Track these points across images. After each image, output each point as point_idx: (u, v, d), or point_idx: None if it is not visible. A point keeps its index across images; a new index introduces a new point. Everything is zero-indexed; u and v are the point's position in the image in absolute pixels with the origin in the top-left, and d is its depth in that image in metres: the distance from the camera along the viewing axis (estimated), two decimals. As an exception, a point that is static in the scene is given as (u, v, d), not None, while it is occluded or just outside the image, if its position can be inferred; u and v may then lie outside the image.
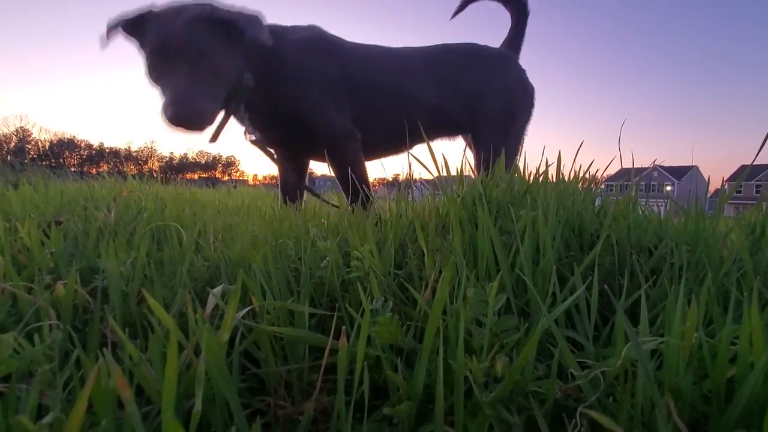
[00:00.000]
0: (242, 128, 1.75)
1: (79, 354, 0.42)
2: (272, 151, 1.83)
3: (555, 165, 0.91)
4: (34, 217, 0.98)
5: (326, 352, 0.44)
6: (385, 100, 1.85)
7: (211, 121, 1.37)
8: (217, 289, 0.54)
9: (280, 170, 1.96)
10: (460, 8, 2.24)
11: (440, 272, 0.67)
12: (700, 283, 0.61)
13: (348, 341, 0.43)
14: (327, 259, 0.67)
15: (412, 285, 0.69)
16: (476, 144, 2.01)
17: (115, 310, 0.56)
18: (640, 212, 0.95)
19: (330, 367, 0.54)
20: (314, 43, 1.70)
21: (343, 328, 0.42)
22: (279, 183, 1.98)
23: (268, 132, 1.73)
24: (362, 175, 1.72)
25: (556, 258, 0.71)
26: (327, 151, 1.63)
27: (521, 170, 1.07)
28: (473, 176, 1.99)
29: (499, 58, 2.11)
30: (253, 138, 1.74)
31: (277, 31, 1.63)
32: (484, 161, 1.92)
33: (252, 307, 0.52)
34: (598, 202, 1.18)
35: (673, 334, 0.34)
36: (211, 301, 0.51)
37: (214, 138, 1.60)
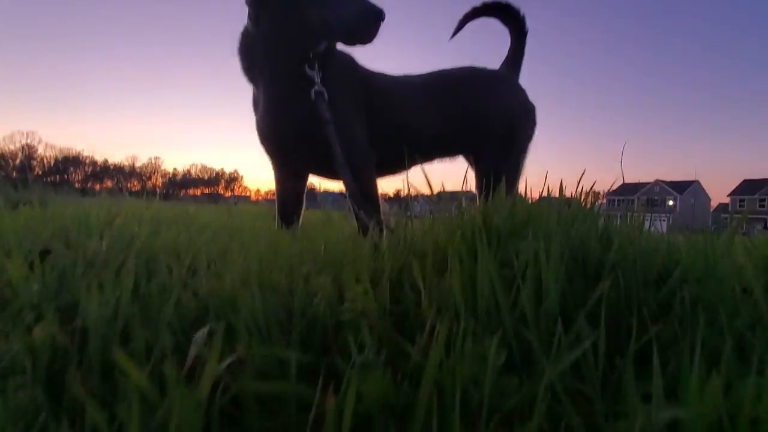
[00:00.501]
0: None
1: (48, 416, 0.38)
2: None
3: (557, 190, 0.89)
4: (22, 246, 0.96)
5: (313, 410, 0.40)
6: (393, 126, 1.88)
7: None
8: (200, 335, 0.51)
9: (279, 189, 1.93)
10: (459, 28, 2.26)
11: (438, 311, 0.64)
12: (712, 328, 0.57)
13: (338, 395, 0.40)
14: (320, 295, 0.64)
15: (408, 324, 0.66)
16: (478, 165, 2.01)
17: (93, 359, 0.53)
18: (645, 239, 0.91)
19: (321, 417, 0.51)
20: (351, 61, 1.79)
21: (332, 387, 0.39)
22: (276, 203, 1.95)
23: (284, 128, 1.69)
24: (377, 196, 1.73)
25: (560, 294, 0.68)
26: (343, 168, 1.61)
27: (523, 196, 1.05)
28: (475, 195, 1.97)
29: (498, 78, 2.12)
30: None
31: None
32: (486, 182, 1.91)
33: (235, 357, 0.49)
34: (601, 222, 1.15)
35: (692, 404, 0.31)
36: (193, 351, 0.48)
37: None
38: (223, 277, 0.75)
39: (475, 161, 2.03)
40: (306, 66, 1.57)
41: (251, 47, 1.67)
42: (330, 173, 1.81)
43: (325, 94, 1.55)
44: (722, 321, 0.50)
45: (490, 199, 1.08)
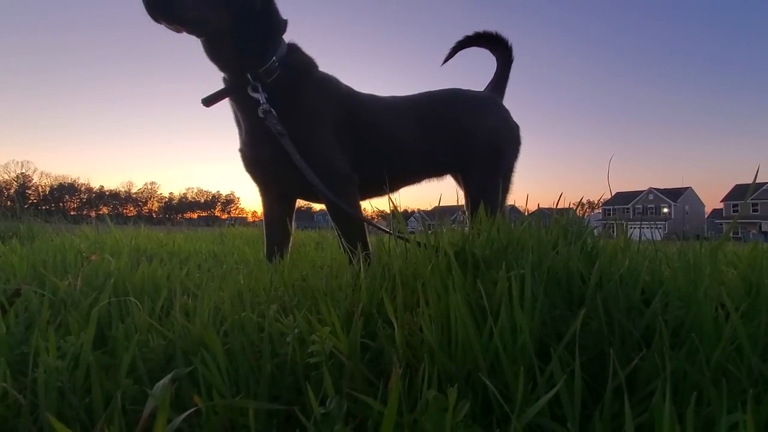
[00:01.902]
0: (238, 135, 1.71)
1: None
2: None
3: (536, 219, 0.87)
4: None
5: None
6: (379, 147, 1.87)
7: (183, 13, 1.33)
8: (159, 386, 0.49)
9: (266, 214, 1.91)
10: (451, 54, 2.31)
11: (412, 349, 0.62)
12: (694, 358, 0.55)
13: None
14: (290, 336, 0.62)
15: (384, 361, 0.63)
16: (466, 183, 2.01)
17: (46, 414, 0.50)
18: (630, 257, 0.90)
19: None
20: (335, 84, 1.76)
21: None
22: (264, 229, 1.93)
23: (262, 154, 1.65)
24: (359, 224, 1.69)
25: (540, 323, 0.66)
26: (323, 196, 1.60)
27: (505, 218, 1.03)
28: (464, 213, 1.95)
29: (482, 100, 2.15)
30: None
31: (311, 61, 1.71)
32: (472, 200, 1.92)
33: (194, 409, 0.47)
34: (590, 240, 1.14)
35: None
36: (149, 405, 0.45)
37: (208, 101, 1.57)
38: (194, 317, 0.72)
39: (462, 180, 2.03)
40: (249, 88, 1.54)
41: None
42: (316, 197, 1.79)
43: (273, 113, 1.51)
44: (701, 354, 0.48)
45: (472, 222, 1.06)
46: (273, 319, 0.64)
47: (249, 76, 1.53)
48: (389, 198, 1.29)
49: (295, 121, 1.58)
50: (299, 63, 1.66)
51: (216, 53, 1.58)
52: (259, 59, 1.56)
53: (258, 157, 1.71)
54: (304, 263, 1.30)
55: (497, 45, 2.24)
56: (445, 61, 2.32)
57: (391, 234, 1.17)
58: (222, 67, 1.60)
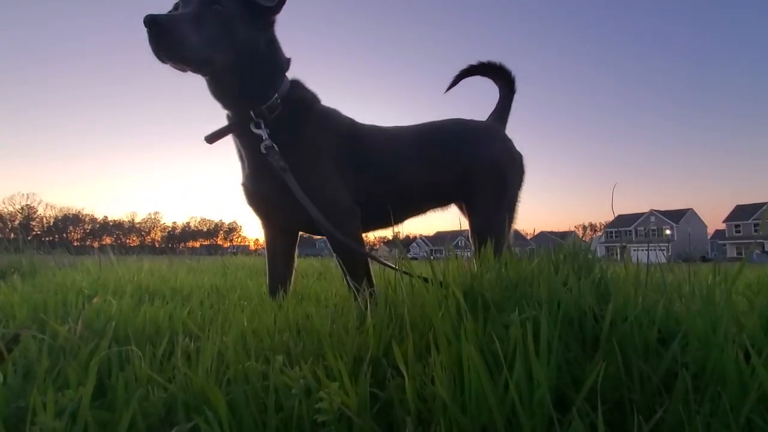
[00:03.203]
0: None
1: None
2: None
3: (547, 256, 0.86)
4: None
5: None
6: (382, 178, 1.86)
7: (189, 54, 1.37)
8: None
9: (268, 248, 1.89)
10: (454, 83, 2.34)
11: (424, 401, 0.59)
12: (717, 406, 0.52)
13: None
14: (295, 388, 0.59)
15: (394, 414, 0.60)
16: (470, 213, 1.99)
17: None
18: (642, 297, 0.87)
19: None
20: (336, 117, 1.78)
21: None
22: (267, 263, 1.91)
23: (265, 189, 1.65)
24: (362, 259, 1.67)
25: (556, 368, 0.63)
26: (325, 231, 1.60)
27: (513, 254, 1.02)
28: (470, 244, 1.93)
29: (485, 129, 2.16)
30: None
31: (313, 96, 1.74)
32: (478, 232, 1.89)
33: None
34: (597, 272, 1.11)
35: None
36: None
37: (211, 139, 1.59)
38: (196, 366, 0.70)
39: (467, 210, 2.02)
40: (252, 125, 1.56)
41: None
42: (318, 230, 1.78)
43: (275, 148, 1.53)
44: (725, 403, 0.46)
45: (479, 256, 1.05)
46: (278, 371, 0.61)
47: (252, 113, 1.56)
48: (393, 230, 1.28)
49: (297, 156, 1.59)
50: (301, 98, 1.69)
51: (220, 91, 1.61)
52: (261, 96, 1.59)
53: (260, 192, 1.71)
54: (308, 300, 1.28)
55: (500, 75, 2.26)
56: (449, 89, 2.34)
57: (396, 269, 1.15)
58: (225, 105, 1.63)
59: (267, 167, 1.60)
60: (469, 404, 0.53)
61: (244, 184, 1.76)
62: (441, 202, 2.10)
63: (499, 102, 2.27)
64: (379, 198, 1.83)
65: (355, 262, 1.63)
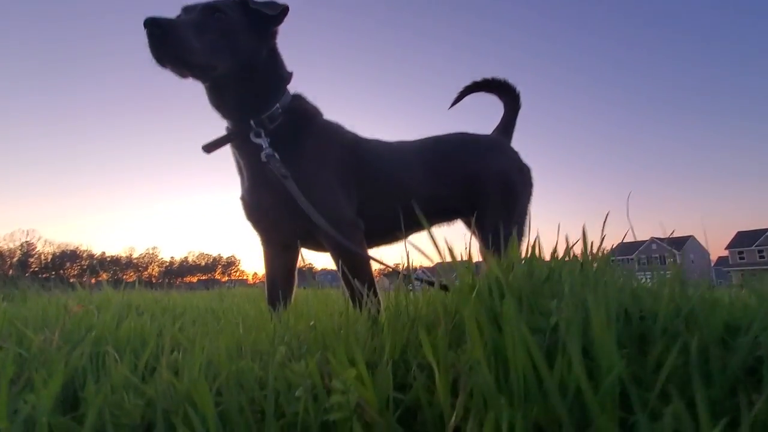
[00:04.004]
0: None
1: None
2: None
3: (581, 241, 0.76)
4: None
5: None
6: (385, 192, 1.81)
7: (189, 58, 1.32)
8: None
9: (267, 266, 1.79)
10: (458, 99, 2.32)
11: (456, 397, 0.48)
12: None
13: None
14: (301, 388, 0.48)
15: (420, 417, 0.49)
16: (479, 228, 1.90)
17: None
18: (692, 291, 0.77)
19: None
20: (339, 130, 1.74)
21: None
22: (266, 281, 1.80)
23: (264, 200, 1.58)
24: (367, 268, 1.57)
25: (617, 352, 0.52)
26: (328, 241, 1.51)
27: (537, 251, 0.92)
28: (482, 261, 1.83)
29: (491, 142, 2.12)
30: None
31: (315, 109, 1.70)
32: (487, 245, 1.80)
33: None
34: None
35: None
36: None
37: (208, 148, 1.52)
38: (182, 371, 0.59)
39: (476, 225, 1.93)
40: (252, 134, 1.50)
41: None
42: (319, 245, 1.69)
43: (276, 157, 1.47)
44: None
45: (501, 257, 0.95)
46: (279, 366, 0.50)
47: (252, 122, 1.50)
48: (407, 242, 1.19)
49: (298, 166, 1.52)
50: (302, 110, 1.65)
51: (220, 100, 1.56)
52: (262, 106, 1.54)
53: (259, 204, 1.64)
54: (312, 312, 1.17)
55: (505, 91, 2.25)
56: (453, 105, 2.32)
57: (412, 275, 1.05)
58: (225, 114, 1.57)
59: (266, 178, 1.54)
60: (515, 394, 0.42)
61: (242, 198, 1.70)
62: (446, 216, 2.03)
63: (504, 116, 2.24)
64: (383, 212, 1.75)
65: (358, 269, 1.53)
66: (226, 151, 1.69)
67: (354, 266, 1.51)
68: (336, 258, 1.55)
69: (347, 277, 1.48)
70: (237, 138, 1.56)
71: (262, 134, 1.52)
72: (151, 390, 0.56)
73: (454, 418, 0.34)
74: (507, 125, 2.23)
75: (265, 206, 1.62)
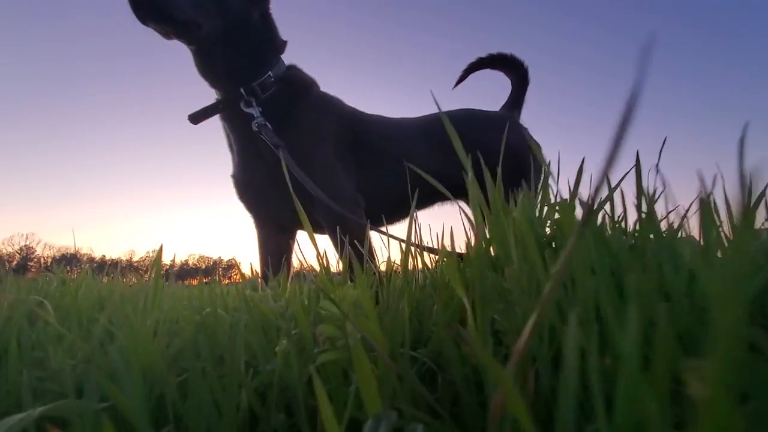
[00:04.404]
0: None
1: None
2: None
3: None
4: None
5: None
6: (387, 169, 1.69)
7: (173, 13, 1.21)
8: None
9: (261, 251, 1.66)
10: (463, 77, 2.20)
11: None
12: None
13: None
14: (283, 341, 0.35)
15: (449, 372, 0.36)
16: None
17: None
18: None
19: None
20: (337, 103, 1.64)
21: None
22: (259, 268, 1.67)
23: (256, 176, 1.46)
24: (364, 227, 1.46)
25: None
26: (326, 217, 1.39)
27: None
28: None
29: (499, 118, 2.00)
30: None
31: (311, 79, 1.60)
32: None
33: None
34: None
35: None
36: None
37: (195, 118, 1.42)
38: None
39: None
40: (242, 103, 1.39)
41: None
42: (316, 225, 1.56)
43: (269, 126, 1.36)
44: None
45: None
46: (255, 301, 0.37)
47: (242, 90, 1.39)
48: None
49: (292, 138, 1.40)
50: (297, 80, 1.54)
51: (208, 64, 1.43)
52: (253, 73, 1.43)
53: (252, 181, 1.51)
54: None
55: (511, 67, 2.13)
56: (457, 83, 2.20)
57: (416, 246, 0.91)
58: (213, 82, 1.45)
59: (258, 151, 1.43)
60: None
61: (233, 175, 1.57)
62: (451, 193, 1.92)
63: (511, 93, 2.12)
64: (384, 189, 1.63)
65: (361, 241, 1.40)
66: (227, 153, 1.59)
67: (356, 240, 1.38)
68: (333, 231, 1.42)
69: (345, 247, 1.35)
70: (227, 107, 1.43)
71: (253, 103, 1.40)
72: (86, 347, 0.43)
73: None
74: (515, 102, 2.11)
75: (257, 183, 1.50)
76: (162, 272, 0.70)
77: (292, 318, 0.36)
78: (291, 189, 0.63)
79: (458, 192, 1.97)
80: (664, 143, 0.56)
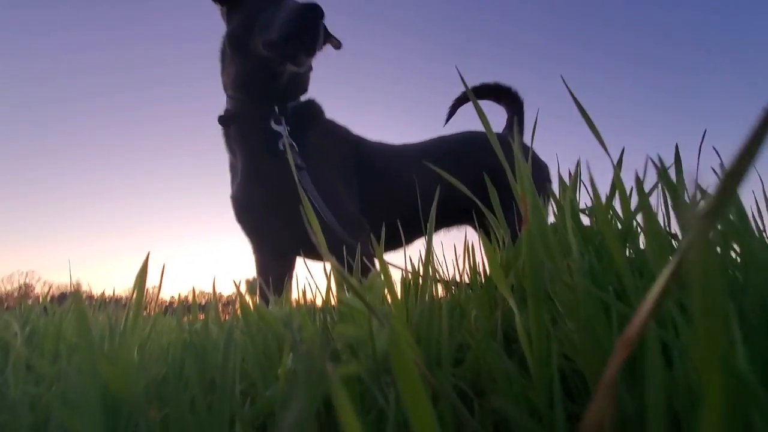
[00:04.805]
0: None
1: None
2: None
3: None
4: None
5: None
6: (389, 194, 1.69)
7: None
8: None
9: (260, 274, 1.60)
10: (452, 112, 2.20)
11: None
12: None
13: None
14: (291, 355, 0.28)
15: (492, 395, 0.29)
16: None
17: None
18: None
19: None
20: (343, 129, 1.69)
21: None
22: (258, 291, 1.60)
23: (259, 197, 1.45)
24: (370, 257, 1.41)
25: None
26: (331, 243, 1.36)
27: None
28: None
29: (502, 139, 1.98)
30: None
31: (319, 106, 1.64)
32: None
33: None
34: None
35: None
36: None
37: (223, 120, 1.54)
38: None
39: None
40: (272, 121, 1.42)
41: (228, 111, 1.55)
42: (314, 250, 1.51)
43: (295, 147, 1.39)
44: None
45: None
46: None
47: (276, 109, 1.43)
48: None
49: (303, 159, 1.42)
50: (308, 106, 1.58)
51: (263, 81, 1.47)
52: (288, 96, 1.51)
53: (252, 200, 1.49)
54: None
55: (500, 95, 2.12)
56: (447, 120, 2.18)
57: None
58: (254, 96, 1.49)
59: (264, 172, 1.43)
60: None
61: (234, 196, 1.55)
62: (456, 219, 1.88)
63: (508, 116, 2.10)
64: (387, 214, 1.60)
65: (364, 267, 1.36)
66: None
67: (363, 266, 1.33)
68: (337, 256, 1.36)
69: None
70: (255, 121, 1.45)
71: (283, 122, 1.43)
72: (52, 371, 0.35)
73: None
74: (514, 123, 2.10)
75: (258, 202, 1.46)
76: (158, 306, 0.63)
77: (299, 329, 0.30)
78: (306, 210, 0.59)
79: (461, 216, 1.93)
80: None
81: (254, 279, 1.63)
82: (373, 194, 1.62)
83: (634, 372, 0.28)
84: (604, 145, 0.35)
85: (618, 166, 0.39)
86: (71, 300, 0.94)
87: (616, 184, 0.36)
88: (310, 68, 1.53)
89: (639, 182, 0.30)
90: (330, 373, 0.12)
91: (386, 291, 0.24)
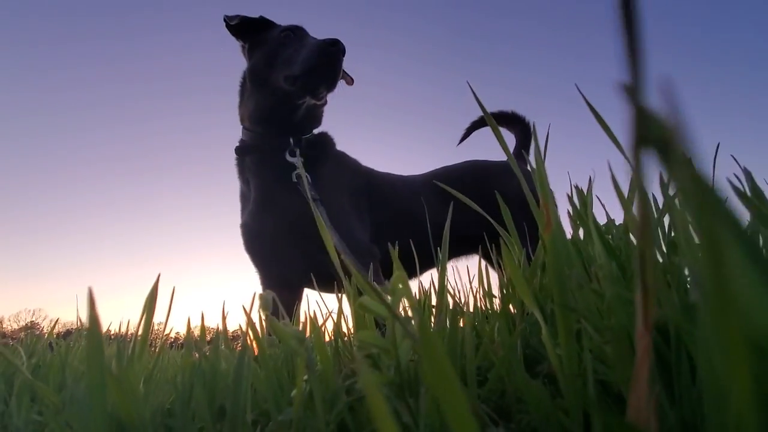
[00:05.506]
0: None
1: None
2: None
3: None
4: None
5: None
6: (398, 224, 1.71)
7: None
8: None
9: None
10: (466, 135, 2.28)
11: None
12: None
13: None
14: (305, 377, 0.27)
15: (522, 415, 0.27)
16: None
17: None
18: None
19: None
20: (353, 160, 1.73)
21: None
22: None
23: (270, 226, 1.46)
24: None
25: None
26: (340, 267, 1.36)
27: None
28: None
29: (506, 167, 2.00)
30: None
31: (331, 138, 1.68)
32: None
33: None
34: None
35: None
36: None
37: (240, 151, 1.58)
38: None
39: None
40: (287, 153, 1.45)
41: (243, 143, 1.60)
42: (327, 284, 1.51)
43: (308, 177, 1.41)
44: None
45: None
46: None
47: (291, 141, 1.47)
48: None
49: (316, 191, 1.46)
50: (319, 138, 1.63)
51: (282, 115, 1.52)
52: (303, 129, 1.55)
53: (263, 229, 1.49)
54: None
55: (513, 123, 2.18)
56: (461, 141, 2.25)
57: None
58: (270, 129, 1.53)
59: (276, 201, 1.45)
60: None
61: (246, 224, 1.56)
62: (466, 248, 1.87)
63: (516, 144, 2.15)
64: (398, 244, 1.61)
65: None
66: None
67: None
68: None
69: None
70: (271, 152, 1.49)
71: (297, 153, 1.46)
72: (55, 399, 0.34)
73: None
74: (522, 149, 2.14)
75: (268, 231, 1.47)
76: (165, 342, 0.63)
77: (313, 347, 0.29)
78: (324, 238, 0.60)
79: (466, 247, 1.92)
80: None
81: (268, 292, 1.60)
82: (383, 224, 1.63)
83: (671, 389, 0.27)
84: (624, 154, 0.34)
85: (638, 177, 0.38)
86: (77, 333, 0.93)
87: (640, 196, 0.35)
88: (325, 102, 1.57)
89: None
90: (363, 372, 0.11)
91: (406, 301, 0.24)
